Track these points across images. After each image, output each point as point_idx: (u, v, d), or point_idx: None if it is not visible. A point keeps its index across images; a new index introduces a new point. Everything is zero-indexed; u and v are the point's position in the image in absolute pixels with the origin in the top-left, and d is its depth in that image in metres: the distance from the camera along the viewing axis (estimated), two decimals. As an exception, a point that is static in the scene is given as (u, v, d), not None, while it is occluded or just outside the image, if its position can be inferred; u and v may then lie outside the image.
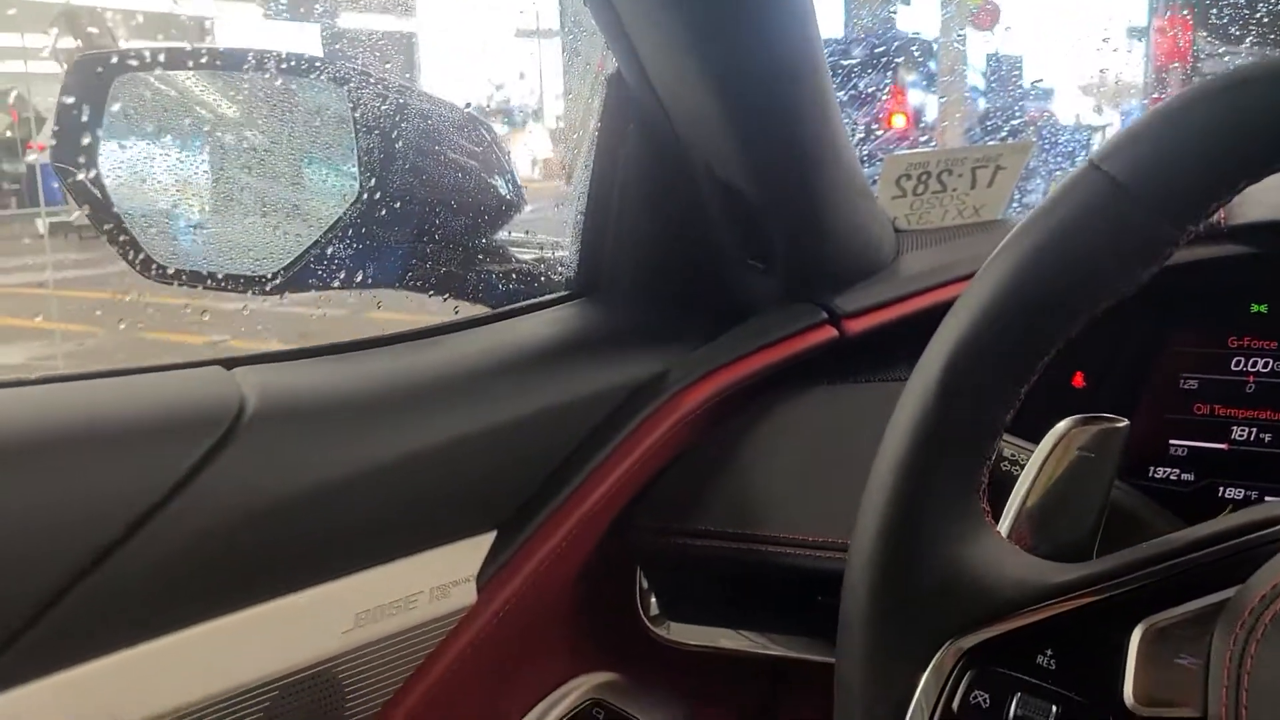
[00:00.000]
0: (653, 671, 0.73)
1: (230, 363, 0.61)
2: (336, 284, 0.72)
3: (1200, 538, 0.44)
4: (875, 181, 0.86)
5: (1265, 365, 0.71)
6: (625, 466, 0.71)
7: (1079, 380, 0.74)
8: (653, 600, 0.73)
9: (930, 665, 0.44)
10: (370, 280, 0.74)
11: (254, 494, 0.55)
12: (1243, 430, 0.71)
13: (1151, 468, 0.74)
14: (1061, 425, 0.51)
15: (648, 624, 0.72)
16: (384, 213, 0.73)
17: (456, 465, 0.64)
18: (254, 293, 0.69)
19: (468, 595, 0.64)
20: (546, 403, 0.69)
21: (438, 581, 0.63)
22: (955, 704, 0.43)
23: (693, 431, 0.73)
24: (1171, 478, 0.73)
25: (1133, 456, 0.73)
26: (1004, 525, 0.51)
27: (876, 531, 0.45)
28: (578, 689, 0.71)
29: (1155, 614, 0.43)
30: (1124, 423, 0.50)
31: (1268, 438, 0.71)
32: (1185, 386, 0.73)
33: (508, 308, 0.78)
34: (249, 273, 0.69)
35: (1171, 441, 0.73)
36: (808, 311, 0.76)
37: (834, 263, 0.78)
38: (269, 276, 0.69)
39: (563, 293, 0.82)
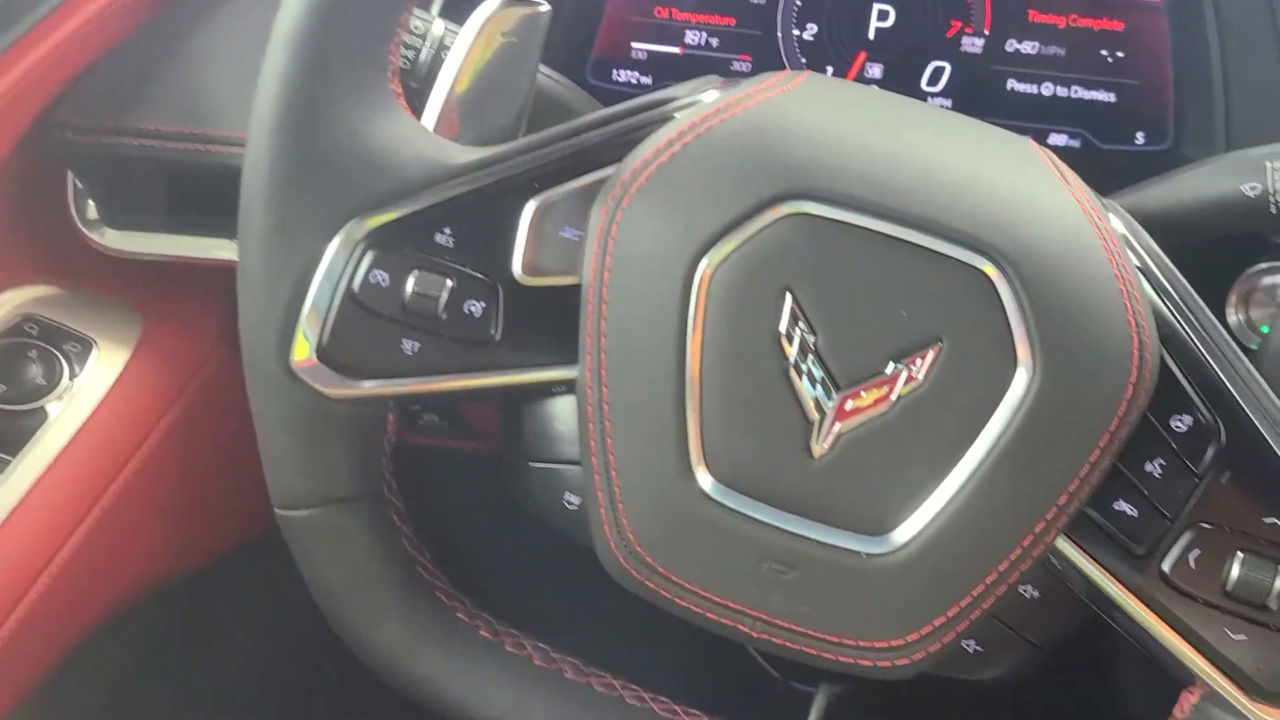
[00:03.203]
0: (97, 283, 0.67)
1: None
2: None
3: (596, 119, 0.46)
4: None
5: (713, -31, 0.73)
6: (42, 54, 0.61)
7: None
8: (90, 205, 0.66)
9: (332, 244, 0.43)
10: None
11: None
12: (695, 34, 0.75)
13: (614, 70, 0.76)
14: (485, 7, 0.49)
15: (84, 231, 0.66)
16: None
17: None
18: None
19: None
20: None
21: None
22: (356, 284, 0.43)
23: (129, 17, 0.64)
24: (631, 81, 0.76)
25: (602, 58, 0.75)
26: (431, 111, 0.50)
27: (276, 101, 0.42)
28: (5, 305, 0.64)
29: (547, 190, 0.44)
30: (545, 8, 0.49)
31: (715, 41, 0.75)
32: (648, -12, 0.74)
33: None
34: None
35: (633, 44, 0.75)
36: None
37: None
38: None
39: None
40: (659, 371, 0.41)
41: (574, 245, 0.44)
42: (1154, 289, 0.43)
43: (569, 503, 0.46)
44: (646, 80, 0.76)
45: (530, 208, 0.44)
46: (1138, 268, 0.43)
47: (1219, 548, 0.41)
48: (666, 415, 0.41)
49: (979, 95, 0.73)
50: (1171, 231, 0.57)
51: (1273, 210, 0.53)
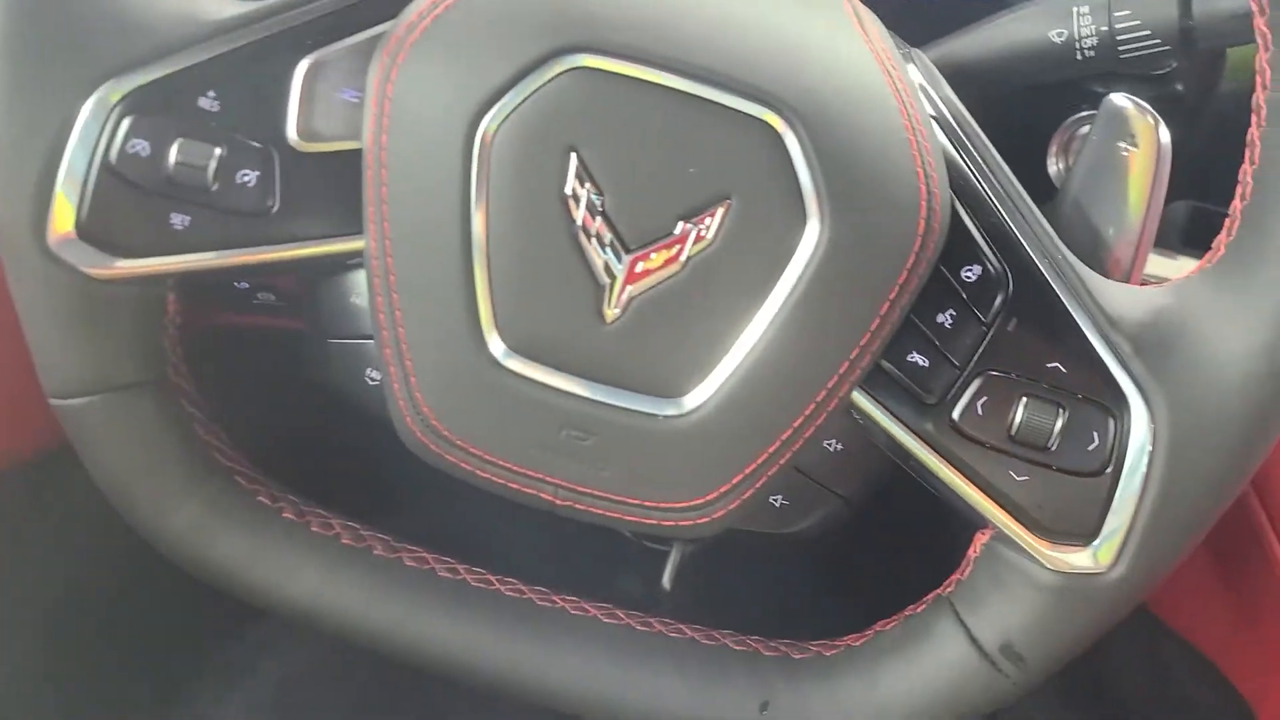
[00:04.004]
0: None
1: None
2: None
3: None
4: None
5: None
6: None
7: None
8: None
9: (84, 108, 0.40)
10: None
11: None
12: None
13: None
14: None
15: None
16: None
17: None
18: None
19: None
20: None
21: None
22: (114, 155, 0.40)
23: None
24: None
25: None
26: None
27: None
28: None
29: (321, 48, 0.41)
30: None
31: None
32: None
33: None
34: None
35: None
36: None
37: None
38: None
39: None
40: (444, 239, 0.39)
41: (355, 107, 0.41)
42: (948, 138, 0.42)
43: (371, 379, 0.45)
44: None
45: (303, 67, 0.41)
46: (932, 116, 0.43)
47: (1005, 394, 0.42)
48: (454, 283, 0.40)
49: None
50: (985, 80, 0.57)
51: (1078, 57, 0.53)
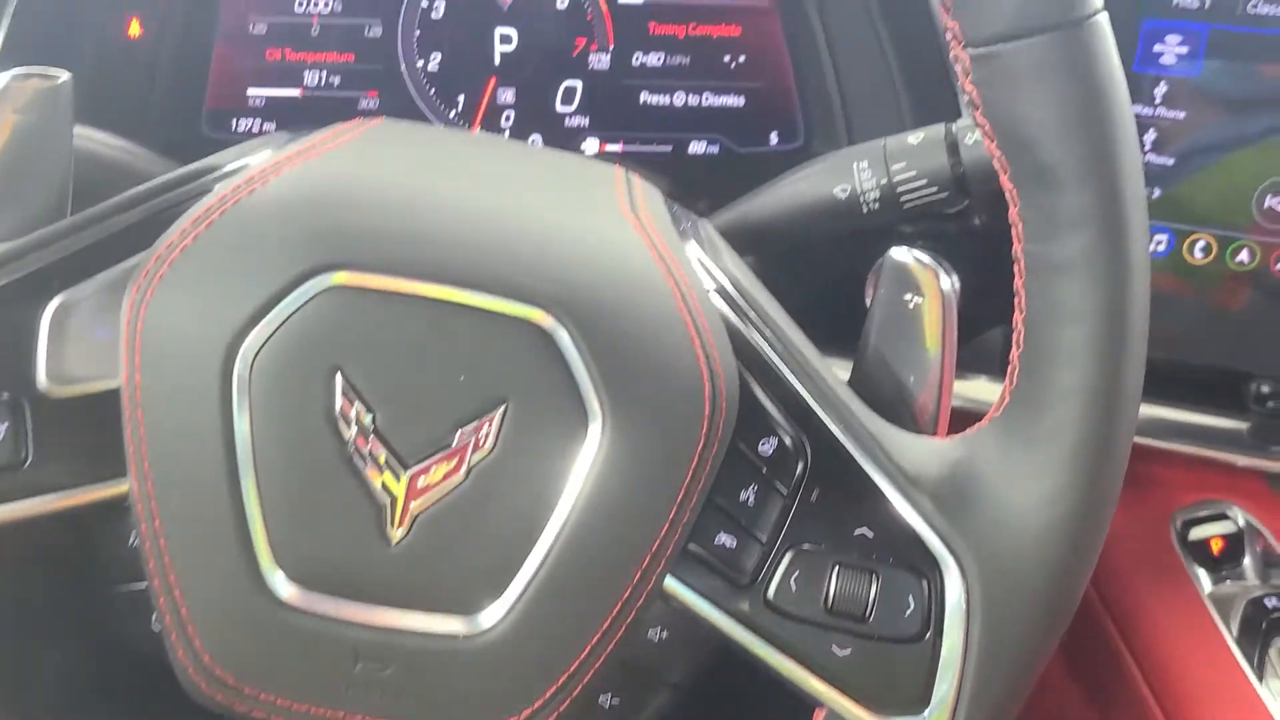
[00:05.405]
0: None
1: None
2: None
3: (125, 200, 0.41)
4: None
5: (327, 6, 0.69)
6: None
7: (135, 29, 0.67)
8: None
9: None
10: None
11: None
12: (314, 74, 0.70)
13: (233, 120, 0.71)
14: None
15: None
16: None
17: None
18: None
19: None
20: None
21: None
22: None
23: None
24: (253, 129, 0.71)
25: (216, 109, 0.70)
26: None
27: None
28: None
29: (70, 288, 0.40)
30: (64, 77, 0.44)
31: (337, 80, 0.71)
32: (255, 31, 0.69)
33: None
34: None
35: (249, 90, 0.70)
36: None
37: None
38: None
39: None
40: (209, 475, 0.37)
41: (109, 346, 0.39)
42: (732, 309, 0.42)
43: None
44: (270, 126, 0.71)
45: (50, 309, 0.39)
46: (714, 290, 0.42)
47: (817, 566, 0.41)
48: (225, 520, 0.37)
49: (614, 110, 0.72)
50: (783, 237, 0.58)
51: (864, 210, 0.54)
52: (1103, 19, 0.38)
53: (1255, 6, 0.59)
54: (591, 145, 0.73)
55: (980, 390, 0.68)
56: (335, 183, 0.39)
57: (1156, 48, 0.61)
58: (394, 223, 0.38)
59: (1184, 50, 0.61)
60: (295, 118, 0.71)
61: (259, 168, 0.40)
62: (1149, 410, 0.67)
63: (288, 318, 0.37)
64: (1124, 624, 0.63)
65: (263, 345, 0.37)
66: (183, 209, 0.40)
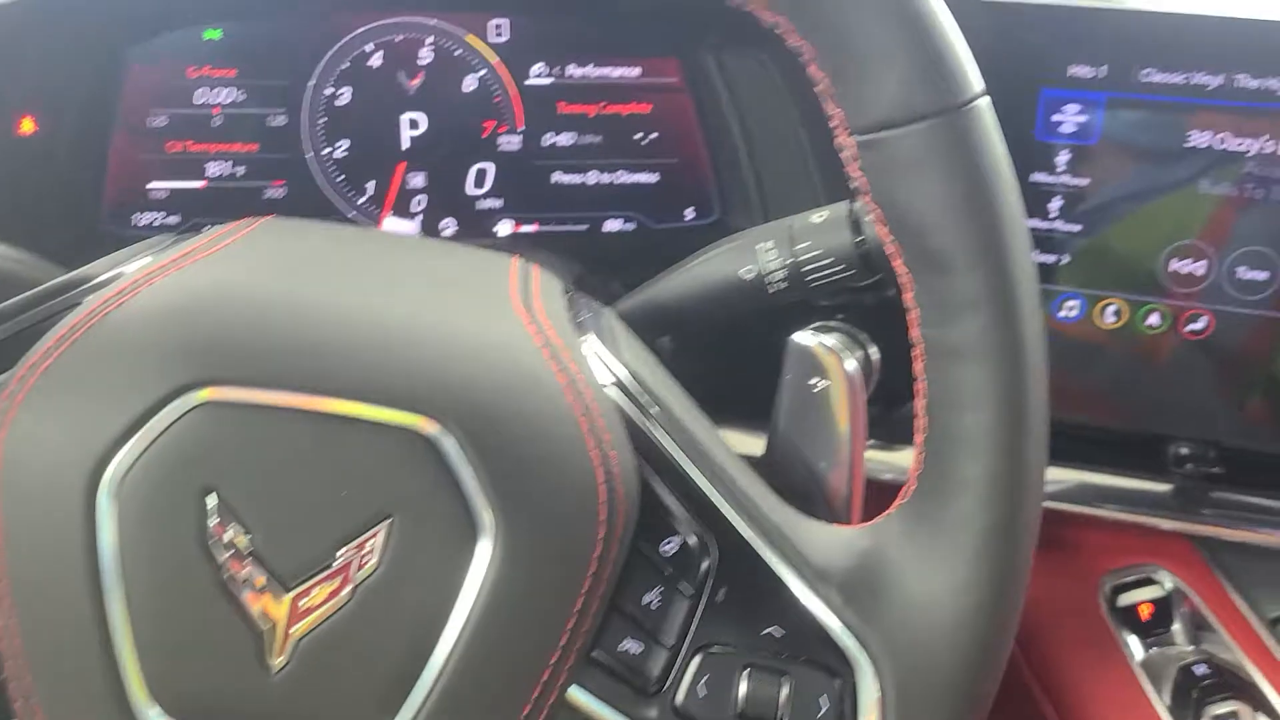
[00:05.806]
0: None
1: None
2: None
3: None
4: None
5: (229, 96, 0.68)
6: None
7: (28, 126, 0.65)
8: None
9: None
10: None
11: None
12: (218, 165, 0.69)
13: (134, 214, 0.69)
14: None
15: None
16: None
17: None
18: None
19: None
20: None
21: None
22: None
23: None
24: (154, 223, 0.69)
25: (116, 204, 0.68)
26: None
27: None
28: None
29: None
30: None
31: (242, 170, 0.69)
32: (155, 124, 0.68)
33: None
34: None
35: (150, 184, 0.69)
36: None
37: None
38: None
39: None
40: (74, 607, 0.35)
41: None
42: (632, 402, 0.41)
43: None
44: (174, 219, 0.70)
45: None
46: (613, 383, 0.41)
47: (726, 669, 0.39)
48: (93, 657, 0.35)
49: (527, 192, 0.72)
50: (695, 318, 0.57)
51: (770, 290, 0.54)
52: (984, 103, 0.37)
53: (1149, 75, 0.60)
54: (506, 227, 0.72)
55: (910, 460, 0.67)
56: (207, 293, 0.38)
57: (1055, 117, 0.62)
58: (266, 333, 0.36)
59: (1083, 119, 0.62)
60: (199, 210, 0.69)
61: (131, 278, 0.39)
62: (1073, 475, 0.67)
63: (156, 437, 0.35)
64: (1057, 697, 0.62)
65: (131, 467, 0.35)
66: (51, 324, 0.38)
